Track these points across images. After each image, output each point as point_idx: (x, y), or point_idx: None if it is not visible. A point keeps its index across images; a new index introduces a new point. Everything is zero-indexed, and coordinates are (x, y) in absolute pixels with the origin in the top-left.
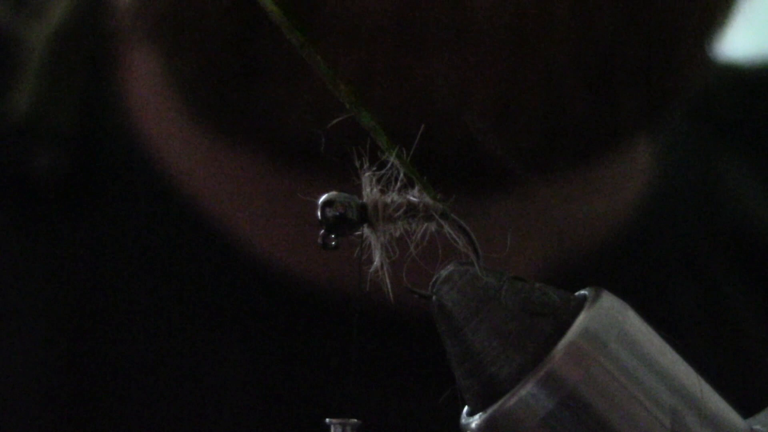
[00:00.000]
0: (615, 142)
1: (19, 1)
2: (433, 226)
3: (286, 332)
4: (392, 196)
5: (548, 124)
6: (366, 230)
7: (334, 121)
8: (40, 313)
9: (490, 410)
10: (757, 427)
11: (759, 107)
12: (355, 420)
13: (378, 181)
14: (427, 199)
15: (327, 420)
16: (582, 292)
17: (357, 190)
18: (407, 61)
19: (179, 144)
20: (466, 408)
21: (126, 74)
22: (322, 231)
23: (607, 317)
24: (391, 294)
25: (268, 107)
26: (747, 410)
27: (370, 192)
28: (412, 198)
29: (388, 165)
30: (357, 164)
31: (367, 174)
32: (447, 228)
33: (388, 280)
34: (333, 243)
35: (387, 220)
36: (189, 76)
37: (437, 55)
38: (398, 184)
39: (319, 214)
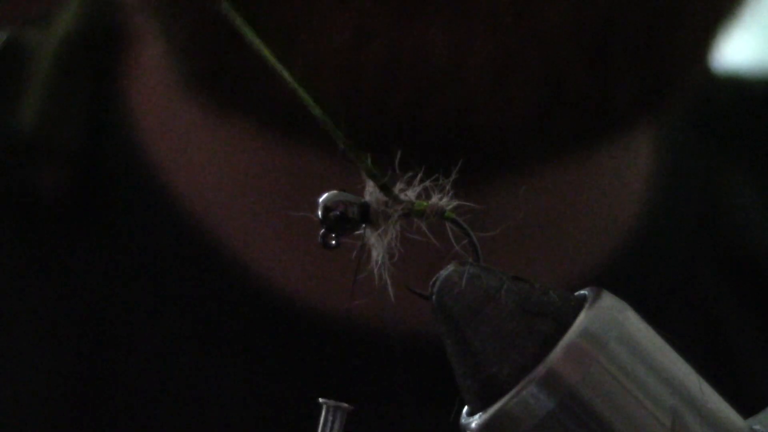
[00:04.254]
0: (611, 124)
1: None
2: (433, 225)
3: (291, 350)
4: (394, 195)
5: (544, 97)
6: (367, 230)
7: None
8: (44, 329)
9: (490, 410)
10: (757, 427)
11: (764, 121)
12: (347, 405)
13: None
14: (432, 200)
15: (320, 400)
16: (582, 292)
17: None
18: (402, 24)
19: (183, 149)
20: (466, 408)
21: (130, 80)
22: (323, 230)
23: (608, 317)
24: (392, 294)
25: (259, 68)
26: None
27: (371, 191)
28: (414, 198)
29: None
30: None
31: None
32: (448, 228)
33: (389, 280)
34: (333, 242)
35: (388, 220)
36: (183, 39)
37: (434, 19)
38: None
39: (319, 212)
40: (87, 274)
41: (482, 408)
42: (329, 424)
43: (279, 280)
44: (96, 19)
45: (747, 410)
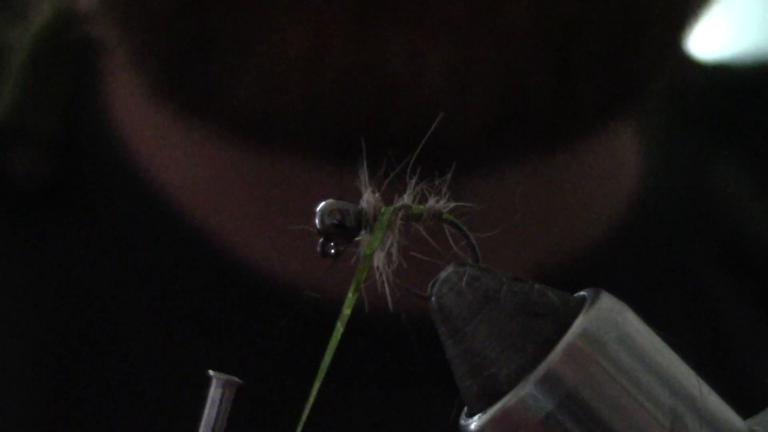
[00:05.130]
0: (581, 127)
1: (1, 4)
2: (431, 229)
3: (273, 335)
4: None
5: (505, 102)
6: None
7: None
8: (22, 314)
9: (489, 411)
10: (757, 428)
11: (750, 108)
12: (237, 379)
13: (377, 185)
14: (430, 203)
15: (210, 372)
16: (581, 293)
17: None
18: (359, 33)
19: (158, 144)
20: (465, 409)
21: (106, 78)
22: (321, 239)
23: (607, 318)
24: (390, 299)
25: (219, 76)
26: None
27: (368, 198)
28: (411, 203)
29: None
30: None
31: (365, 178)
32: (446, 229)
33: (387, 285)
34: (332, 251)
35: (387, 226)
36: (140, 48)
37: (391, 27)
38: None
39: (317, 222)
40: (64, 259)
41: (482, 409)
42: (219, 398)
43: (263, 264)
44: (70, 18)
45: (739, 395)
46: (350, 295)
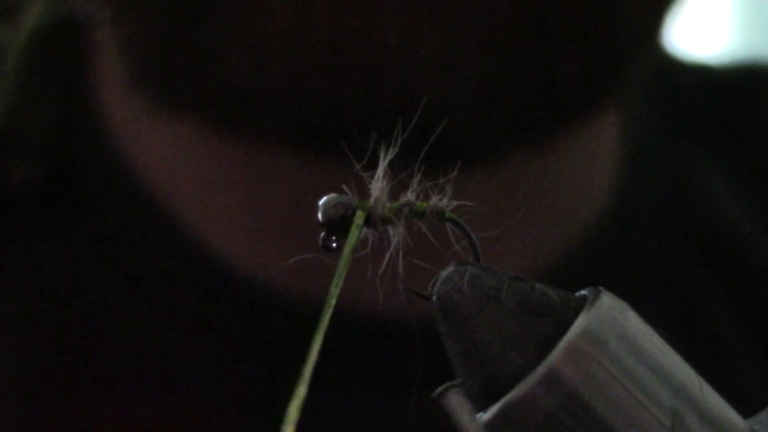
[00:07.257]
0: (561, 106)
1: None
2: (433, 227)
3: (267, 340)
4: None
5: (489, 76)
6: (367, 231)
7: None
8: (16, 322)
9: (490, 410)
10: (758, 427)
11: (733, 108)
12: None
13: (380, 181)
14: (432, 201)
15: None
16: (582, 292)
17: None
18: (348, 5)
19: (150, 145)
20: None
21: (99, 80)
22: (323, 233)
23: (608, 317)
24: (379, 290)
25: (206, 53)
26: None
27: (371, 193)
28: (413, 199)
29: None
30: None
31: (368, 174)
32: (448, 228)
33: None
34: (333, 244)
35: (388, 222)
36: (131, 28)
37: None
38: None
39: (320, 215)
40: (57, 265)
41: (482, 408)
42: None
43: (248, 267)
44: (64, 13)
45: (722, 393)
46: (333, 289)
